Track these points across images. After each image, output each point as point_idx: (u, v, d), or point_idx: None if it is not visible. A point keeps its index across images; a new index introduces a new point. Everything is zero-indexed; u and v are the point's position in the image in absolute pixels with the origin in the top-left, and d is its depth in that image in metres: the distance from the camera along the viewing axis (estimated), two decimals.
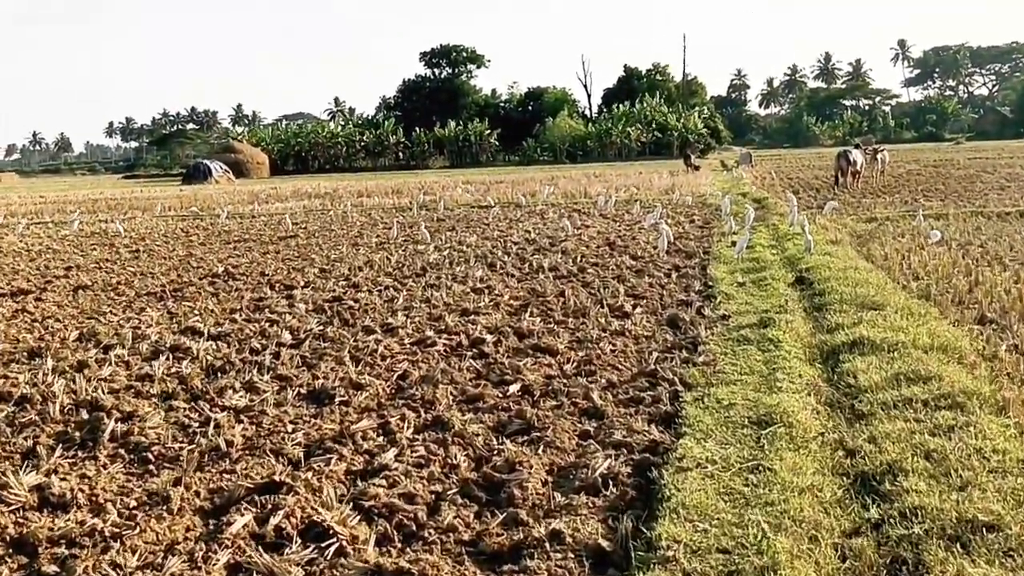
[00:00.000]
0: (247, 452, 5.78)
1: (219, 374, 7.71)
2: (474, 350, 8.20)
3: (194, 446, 5.85)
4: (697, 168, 43.64)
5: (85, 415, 6.54)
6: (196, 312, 10.77)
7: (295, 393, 7.01)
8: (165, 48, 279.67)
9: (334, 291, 12.01)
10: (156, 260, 16.44)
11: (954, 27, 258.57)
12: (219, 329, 9.60)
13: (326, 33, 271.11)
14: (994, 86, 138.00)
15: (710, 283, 11.27)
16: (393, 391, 7.06)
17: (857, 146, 31.85)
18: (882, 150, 32.38)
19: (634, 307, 10.04)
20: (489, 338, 8.53)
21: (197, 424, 6.36)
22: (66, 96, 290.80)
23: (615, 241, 16.38)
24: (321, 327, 9.53)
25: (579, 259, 14.23)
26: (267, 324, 9.80)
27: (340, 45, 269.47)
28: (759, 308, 9.34)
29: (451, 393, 6.87)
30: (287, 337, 9.01)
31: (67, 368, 7.94)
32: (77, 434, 6.17)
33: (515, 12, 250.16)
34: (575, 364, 7.58)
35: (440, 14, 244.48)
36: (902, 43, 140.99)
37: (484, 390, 6.83)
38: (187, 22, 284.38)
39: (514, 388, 6.90)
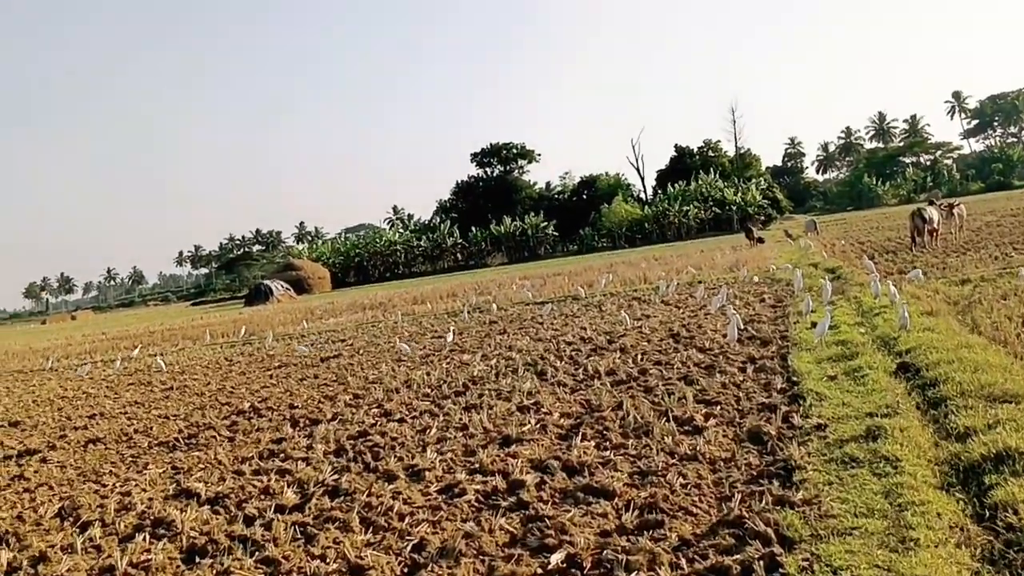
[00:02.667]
0: None
1: (198, 558, 6.25)
2: (512, 498, 6.63)
3: None
4: (761, 241, 41.82)
5: None
6: (202, 464, 9.42)
7: None
8: (229, 171, 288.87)
9: (363, 422, 10.59)
10: (185, 398, 15.26)
11: (1009, 73, 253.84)
12: (218, 489, 8.18)
13: (382, 144, 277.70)
14: None
15: (794, 378, 9.56)
16: (403, 574, 5.50)
17: (931, 203, 29.85)
18: (958, 204, 30.31)
19: (706, 417, 8.41)
20: (530, 479, 6.95)
21: None
22: (136, 231, 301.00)
23: (679, 332, 14.75)
24: (336, 475, 8.06)
25: (639, 357, 12.64)
26: (276, 477, 8.37)
27: (396, 154, 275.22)
28: (861, 411, 7.59)
29: (475, 571, 5.30)
30: (291, 496, 7.54)
31: (24, 562, 6.58)
32: None
33: (560, 102, 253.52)
34: (637, 511, 5.95)
35: (487, 115, 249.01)
36: (957, 95, 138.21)
37: (518, 567, 5.23)
38: (246, 143, 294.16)
39: (557, 558, 5.30)
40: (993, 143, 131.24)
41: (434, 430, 9.47)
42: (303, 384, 15.04)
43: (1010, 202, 54.00)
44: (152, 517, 7.41)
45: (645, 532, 5.55)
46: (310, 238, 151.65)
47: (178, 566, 6.14)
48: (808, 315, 13.87)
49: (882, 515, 5.16)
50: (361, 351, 19.27)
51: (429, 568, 5.43)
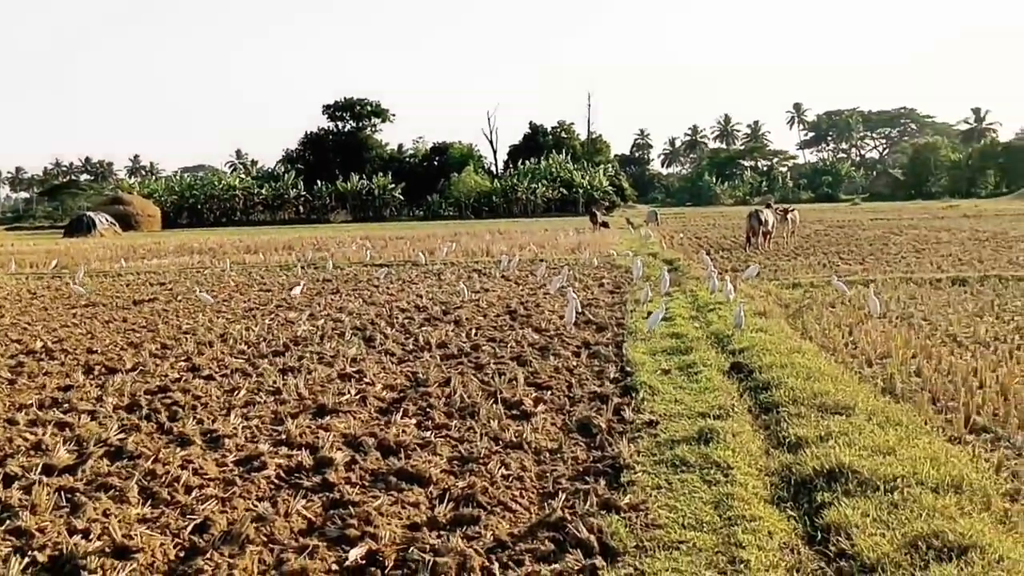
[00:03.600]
0: None
1: None
2: (317, 477, 5.97)
3: None
4: (606, 225, 42.25)
5: None
6: None
7: (20, 567, 4.65)
8: (59, 94, 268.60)
9: (166, 376, 9.64)
10: None
11: (845, 92, 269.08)
12: None
13: (231, 84, 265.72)
14: (884, 149, 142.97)
15: (628, 368, 9.30)
16: (177, 559, 4.78)
17: (768, 206, 30.85)
18: (792, 210, 31.51)
19: (536, 402, 8.00)
20: (340, 457, 6.29)
21: None
22: None
23: (516, 309, 14.38)
24: (123, 435, 7.16)
25: (474, 332, 12.17)
26: (53, 431, 7.38)
27: (245, 97, 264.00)
28: (694, 409, 7.34)
29: (261, 562, 4.65)
30: (64, 455, 6.59)
31: None
32: None
33: (421, 67, 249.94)
34: (452, 503, 5.42)
35: (345, 69, 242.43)
36: (797, 106, 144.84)
37: (311, 560, 4.61)
38: (82, 66, 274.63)
39: (356, 553, 4.70)
40: (825, 156, 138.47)
41: (243, 392, 8.66)
42: (108, 327, 13.77)
43: (836, 213, 57.02)
44: None
45: (458, 529, 5.03)
46: (144, 173, 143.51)
47: None
48: (646, 304, 13.78)
49: (711, 528, 4.84)
50: (180, 297, 17.98)
51: (208, 555, 4.72)
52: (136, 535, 4.94)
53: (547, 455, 6.46)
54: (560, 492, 5.53)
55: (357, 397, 8.31)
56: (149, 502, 5.55)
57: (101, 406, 8.22)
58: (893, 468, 5.27)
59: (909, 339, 10.35)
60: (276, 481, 5.99)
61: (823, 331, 11.31)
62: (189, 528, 5.09)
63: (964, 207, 64.10)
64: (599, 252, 25.94)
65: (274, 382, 9.08)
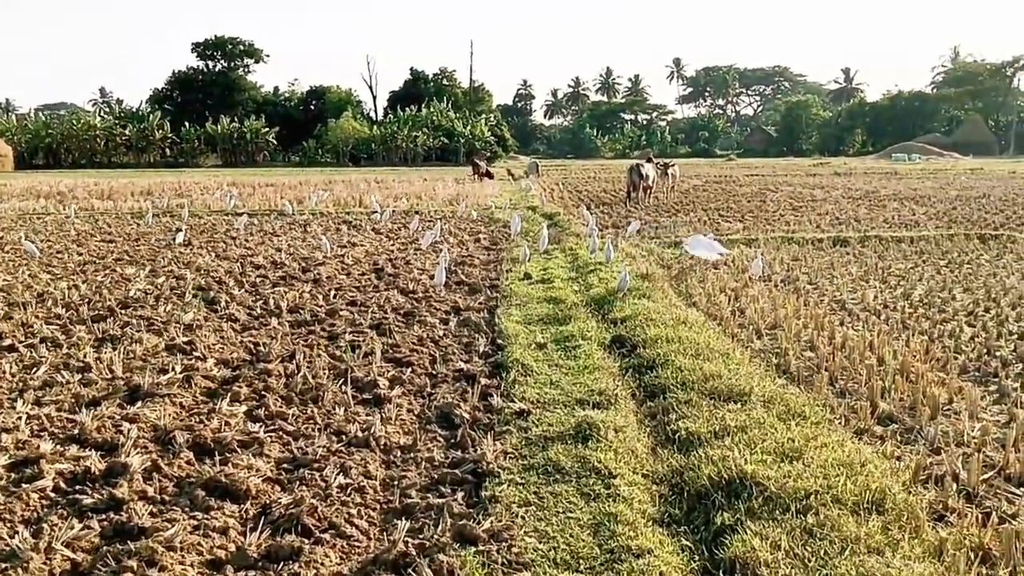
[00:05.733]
0: None
1: None
2: (105, 491, 4.75)
3: None
4: (490, 175, 41.12)
5: None
6: None
7: None
8: None
9: None
10: None
11: (723, 49, 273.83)
12: None
13: (96, 18, 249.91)
14: (759, 106, 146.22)
15: (500, 340, 8.31)
16: None
17: (649, 159, 30.32)
18: (673, 164, 31.06)
19: (393, 383, 6.94)
20: (139, 462, 5.06)
21: None
22: None
23: (384, 267, 13.21)
24: None
25: (333, 294, 10.98)
26: None
27: (112, 33, 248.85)
28: (572, 395, 6.39)
29: None
30: None
31: None
32: None
33: (297, 7, 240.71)
34: (270, 528, 4.33)
35: (218, 5, 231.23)
36: (677, 61, 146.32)
37: None
38: None
39: None
40: (703, 112, 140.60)
41: (44, 368, 7.28)
42: None
43: (713, 168, 57.52)
44: None
45: (273, 567, 3.95)
46: (1, 109, 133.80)
47: None
48: (524, 265, 12.80)
49: (590, 567, 3.90)
50: (7, 248, 16.03)
51: None
52: None
53: (398, 454, 5.42)
54: (407, 512, 4.51)
55: (182, 376, 7.05)
56: None
57: None
58: (803, 480, 4.42)
59: (798, 308, 9.72)
60: (52, 495, 4.75)
61: (708, 296, 10.60)
62: None
63: (834, 164, 65.87)
64: (478, 204, 24.88)
65: (85, 356, 7.70)
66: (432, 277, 11.74)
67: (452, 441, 5.59)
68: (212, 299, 10.61)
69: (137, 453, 5.22)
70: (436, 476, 4.96)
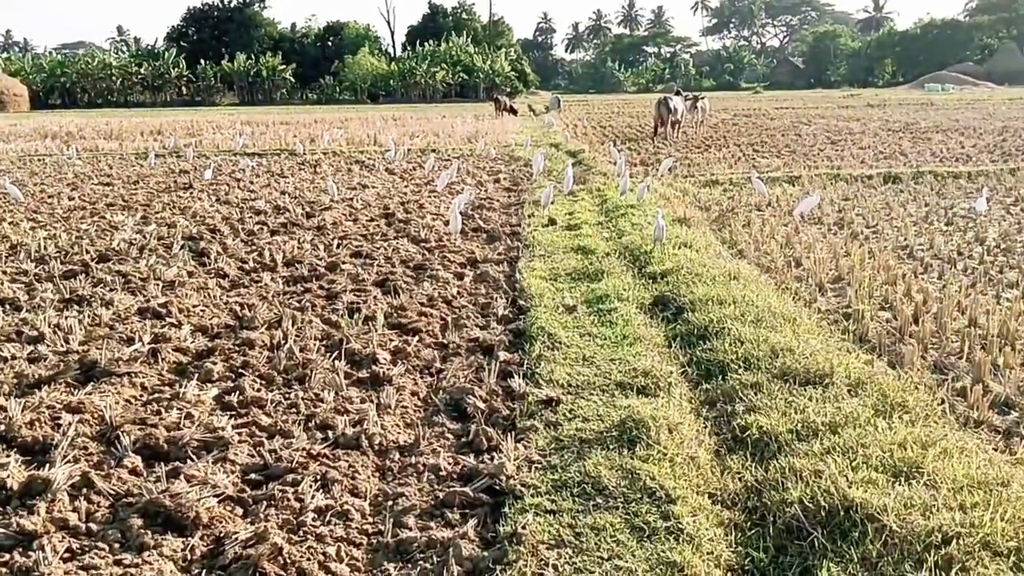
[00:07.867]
0: None
1: None
2: (12, 520, 3.69)
3: None
4: (514, 111, 39.59)
5: None
6: None
7: None
8: None
9: None
10: None
11: None
12: None
13: None
14: (785, 38, 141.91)
15: (521, 300, 7.18)
16: None
17: (677, 92, 28.77)
18: (703, 97, 29.49)
19: (395, 358, 5.84)
20: (64, 476, 3.97)
21: None
22: None
23: (395, 212, 12.06)
24: None
25: (336, 243, 9.87)
26: None
27: None
28: (609, 376, 5.24)
29: None
30: None
31: None
32: None
33: None
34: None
35: None
36: None
37: None
38: None
39: None
40: (728, 44, 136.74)
41: None
42: None
43: (740, 102, 55.40)
44: None
45: None
46: (19, 49, 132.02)
47: None
48: (546, 209, 11.59)
49: None
50: None
51: None
52: None
53: (396, 458, 4.34)
54: (402, 552, 3.43)
55: (149, 348, 5.98)
56: None
57: None
58: (935, 514, 3.23)
59: (863, 257, 8.49)
60: None
61: (756, 243, 9.39)
62: None
63: (866, 96, 63.51)
64: (498, 142, 23.55)
65: (43, 322, 6.65)
66: (447, 223, 10.59)
67: (463, 440, 4.49)
68: (201, 251, 9.53)
69: (68, 462, 4.15)
70: (442, 495, 3.86)
